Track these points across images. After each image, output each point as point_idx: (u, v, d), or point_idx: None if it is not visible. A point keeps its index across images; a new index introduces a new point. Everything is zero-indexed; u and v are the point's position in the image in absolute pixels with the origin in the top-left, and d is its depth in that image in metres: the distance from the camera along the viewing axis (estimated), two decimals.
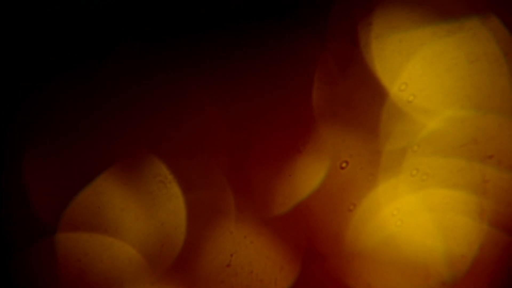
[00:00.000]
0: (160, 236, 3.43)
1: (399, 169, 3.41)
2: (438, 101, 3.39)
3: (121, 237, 3.43)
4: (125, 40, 3.49)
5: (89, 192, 3.43)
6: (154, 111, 3.47)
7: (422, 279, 3.39)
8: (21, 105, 3.46)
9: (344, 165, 3.44)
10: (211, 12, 3.49)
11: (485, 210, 3.37)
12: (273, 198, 3.46)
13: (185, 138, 3.47)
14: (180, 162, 3.46)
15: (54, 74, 3.47)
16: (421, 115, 3.40)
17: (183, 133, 3.47)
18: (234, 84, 3.48)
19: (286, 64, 3.48)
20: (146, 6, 3.50)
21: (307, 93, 3.47)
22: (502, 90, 3.37)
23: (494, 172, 3.37)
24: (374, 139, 3.43)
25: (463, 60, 3.39)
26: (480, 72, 3.39)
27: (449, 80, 3.39)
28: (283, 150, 3.46)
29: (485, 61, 3.38)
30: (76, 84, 3.48)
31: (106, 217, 3.43)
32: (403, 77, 3.41)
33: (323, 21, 3.44)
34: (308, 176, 3.45)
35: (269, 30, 3.47)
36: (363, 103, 3.44)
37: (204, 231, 3.44)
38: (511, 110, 3.38)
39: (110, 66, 3.48)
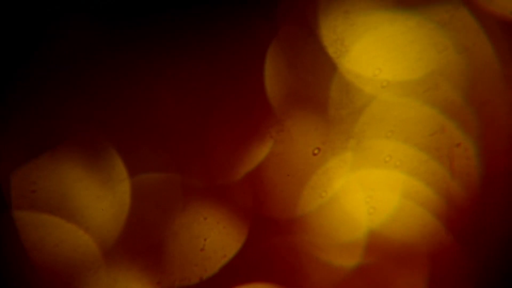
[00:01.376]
0: (134, 223, 3.49)
1: (372, 156, 3.47)
2: (410, 89, 3.46)
3: (91, 225, 3.48)
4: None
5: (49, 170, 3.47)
6: (108, 95, 3.51)
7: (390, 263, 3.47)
8: None
9: (316, 151, 3.50)
10: None
11: (452, 197, 3.45)
12: (243, 185, 3.52)
13: (141, 123, 3.53)
14: (144, 149, 3.51)
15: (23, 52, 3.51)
16: (394, 102, 3.46)
17: (139, 118, 3.52)
18: (193, 71, 3.53)
19: (244, 49, 3.53)
20: None
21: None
22: (470, 79, 3.45)
23: (461, 160, 3.44)
24: (346, 126, 3.49)
25: (433, 49, 3.46)
26: (449, 62, 3.45)
27: (419, 69, 3.46)
28: (251, 136, 3.51)
29: (453, 51, 3.45)
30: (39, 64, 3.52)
31: (73, 204, 3.48)
32: (377, 63, 3.47)
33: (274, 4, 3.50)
34: (281, 162, 3.51)
35: (222, 14, 3.52)
36: (333, 90, 3.50)
37: (178, 217, 3.50)
38: (477, 99, 3.46)
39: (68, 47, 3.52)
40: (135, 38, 3.51)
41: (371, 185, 3.47)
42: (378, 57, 3.47)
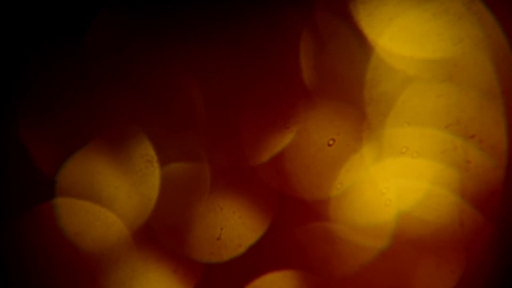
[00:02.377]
0: (151, 212, 3.54)
1: (388, 147, 3.49)
2: (425, 80, 3.48)
3: (114, 213, 3.55)
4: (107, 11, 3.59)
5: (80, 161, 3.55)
6: (137, 83, 3.58)
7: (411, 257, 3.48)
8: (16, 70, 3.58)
9: (331, 142, 3.53)
10: None
11: (467, 189, 3.45)
12: (261, 175, 3.56)
13: (169, 113, 3.58)
14: (166, 139, 3.57)
15: (44, 39, 3.58)
16: (409, 94, 3.48)
17: (166, 107, 3.58)
18: (218, 60, 3.57)
19: (271, 39, 3.57)
20: None
21: (294, 69, 3.57)
22: (484, 72, 3.45)
23: (475, 152, 3.45)
24: (362, 117, 3.52)
25: (448, 41, 3.47)
26: (464, 54, 3.47)
27: (434, 61, 3.48)
28: (269, 127, 3.55)
29: (468, 43, 3.46)
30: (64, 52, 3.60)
31: (100, 191, 3.55)
32: (394, 55, 3.50)
33: None
34: (297, 153, 3.55)
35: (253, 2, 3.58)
36: (351, 81, 3.53)
37: (195, 207, 3.55)
38: (491, 91, 3.46)
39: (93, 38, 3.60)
40: (161, 27, 3.58)
41: (388, 176, 3.48)
42: (393, 49, 3.50)
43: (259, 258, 3.55)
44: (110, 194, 3.54)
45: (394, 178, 3.47)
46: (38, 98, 3.59)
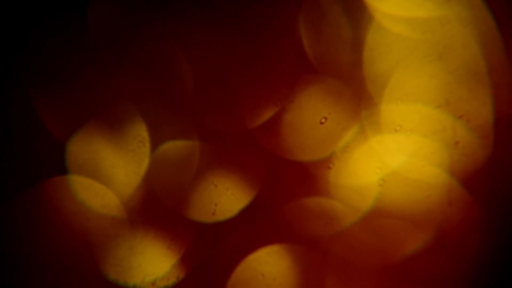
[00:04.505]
0: (151, 190, 3.61)
1: (381, 127, 3.55)
2: (416, 61, 3.53)
3: (111, 191, 3.62)
4: None
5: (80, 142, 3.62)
6: (131, 66, 3.64)
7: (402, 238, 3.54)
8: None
9: (323, 120, 3.58)
10: None
11: (456, 169, 3.52)
12: (251, 152, 3.62)
13: (163, 89, 3.64)
14: (160, 116, 3.63)
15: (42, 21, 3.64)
16: (400, 73, 3.54)
17: (161, 83, 3.64)
18: (212, 37, 3.62)
19: (265, 19, 3.62)
20: None
21: (289, 52, 3.62)
22: (472, 53, 3.51)
23: (464, 132, 3.51)
24: (354, 97, 3.58)
25: (437, 23, 3.53)
26: (452, 36, 3.52)
27: (424, 42, 3.53)
28: (261, 103, 3.61)
29: (457, 25, 3.52)
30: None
31: (98, 170, 3.62)
32: (382, 37, 3.55)
33: None
34: (289, 130, 3.60)
35: None
36: (343, 61, 3.58)
37: (190, 185, 3.61)
38: (479, 72, 3.52)
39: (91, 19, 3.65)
40: (153, 7, 3.62)
41: (381, 156, 3.54)
42: (385, 29, 3.55)
43: (251, 233, 3.62)
44: (108, 173, 3.61)
45: (388, 158, 3.53)
46: (45, 68, 3.65)
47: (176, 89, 3.62)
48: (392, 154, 3.53)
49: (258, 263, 3.58)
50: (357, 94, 3.56)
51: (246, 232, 3.61)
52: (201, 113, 3.62)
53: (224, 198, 3.63)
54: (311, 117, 3.59)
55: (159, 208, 3.61)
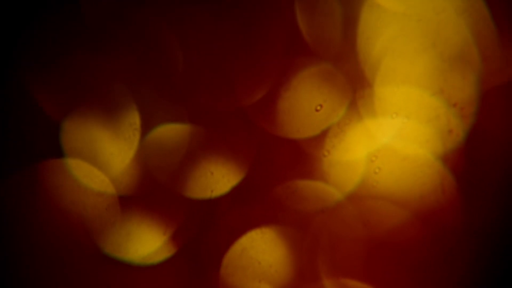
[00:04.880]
0: (147, 174, 3.64)
1: (376, 115, 3.58)
2: (412, 49, 3.55)
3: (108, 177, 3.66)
4: None
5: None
6: (124, 50, 3.66)
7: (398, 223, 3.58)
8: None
9: (318, 108, 3.61)
10: None
11: (449, 157, 3.56)
12: (246, 142, 3.65)
13: (157, 73, 3.67)
14: (154, 101, 3.66)
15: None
16: (395, 62, 3.56)
17: (154, 68, 3.67)
18: (205, 18, 3.64)
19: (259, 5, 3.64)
20: None
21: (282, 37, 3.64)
22: (466, 41, 3.54)
23: (457, 120, 3.55)
24: (349, 84, 3.60)
25: (431, 11, 3.55)
26: (446, 24, 3.54)
27: (418, 31, 3.55)
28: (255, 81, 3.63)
29: (451, 13, 3.54)
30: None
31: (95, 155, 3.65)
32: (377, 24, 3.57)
33: None
34: (284, 118, 3.63)
35: None
36: (339, 49, 3.60)
37: (186, 172, 3.65)
38: (472, 61, 3.55)
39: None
40: None
41: (377, 143, 3.57)
42: (378, 19, 3.57)
43: (244, 214, 3.66)
44: (104, 159, 3.64)
45: (383, 146, 3.56)
46: (42, 51, 3.67)
47: (168, 69, 3.64)
48: (387, 142, 3.56)
49: (253, 249, 3.63)
50: (352, 81, 3.59)
51: (240, 212, 3.64)
52: (194, 91, 3.64)
53: (221, 184, 3.66)
54: (306, 105, 3.62)
55: (152, 184, 3.64)
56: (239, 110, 3.63)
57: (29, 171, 3.61)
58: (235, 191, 3.65)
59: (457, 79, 3.53)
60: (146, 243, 3.63)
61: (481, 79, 3.53)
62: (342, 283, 3.57)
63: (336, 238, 3.59)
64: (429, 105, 3.53)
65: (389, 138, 3.56)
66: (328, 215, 3.58)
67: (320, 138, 3.61)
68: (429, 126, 3.53)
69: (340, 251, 3.58)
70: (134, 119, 3.63)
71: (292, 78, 3.61)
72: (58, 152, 3.62)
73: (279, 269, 3.60)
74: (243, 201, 3.64)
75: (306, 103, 3.61)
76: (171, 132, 3.65)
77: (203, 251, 3.64)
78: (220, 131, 3.64)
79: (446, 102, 3.53)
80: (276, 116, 3.62)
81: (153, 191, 3.64)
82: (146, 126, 3.64)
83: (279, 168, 3.63)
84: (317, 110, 3.60)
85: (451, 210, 3.54)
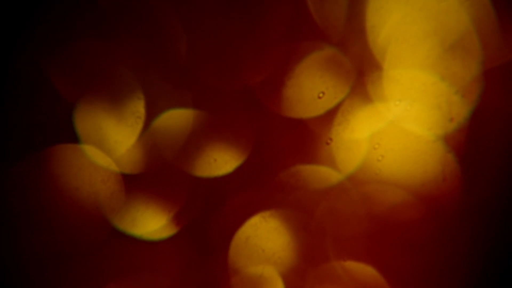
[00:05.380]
0: (151, 160, 3.68)
1: (378, 103, 3.61)
2: (414, 37, 3.58)
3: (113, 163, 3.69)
4: None
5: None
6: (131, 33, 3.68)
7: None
8: None
9: (321, 95, 3.64)
10: None
11: (451, 145, 3.60)
12: (246, 129, 3.68)
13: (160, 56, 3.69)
14: (158, 85, 3.68)
15: None
16: (396, 50, 3.59)
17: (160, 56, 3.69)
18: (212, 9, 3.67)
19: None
20: None
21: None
22: (467, 29, 3.57)
23: (458, 108, 3.59)
24: (351, 71, 3.63)
25: (434, 0, 3.58)
26: (448, 12, 3.57)
27: (421, 19, 3.58)
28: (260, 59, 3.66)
29: (453, 2, 3.57)
30: None
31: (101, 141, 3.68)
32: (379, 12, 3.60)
33: None
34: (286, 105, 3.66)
35: None
36: (340, 37, 3.63)
37: (189, 159, 3.69)
38: (473, 49, 3.58)
39: None
40: None
41: (379, 132, 3.61)
42: (381, 7, 3.60)
43: (248, 200, 3.69)
44: (110, 146, 3.67)
45: (386, 135, 3.59)
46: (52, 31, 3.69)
47: (173, 52, 3.66)
48: (390, 129, 3.59)
49: (257, 236, 3.66)
50: (355, 67, 3.62)
51: (244, 196, 3.68)
52: (198, 72, 3.67)
53: (223, 171, 3.69)
54: (308, 93, 3.64)
55: (158, 162, 3.67)
56: (244, 89, 3.65)
57: (41, 154, 3.64)
58: (239, 174, 3.68)
59: (458, 67, 3.56)
60: (153, 219, 3.66)
61: (482, 67, 3.56)
62: (346, 266, 3.61)
63: (339, 222, 3.62)
64: (431, 93, 3.56)
65: (392, 125, 3.59)
66: (332, 200, 3.62)
67: (324, 123, 3.64)
68: (431, 113, 3.56)
69: (344, 234, 3.62)
70: (138, 105, 3.66)
71: (296, 62, 3.64)
72: (70, 134, 3.66)
73: (283, 254, 3.64)
74: (248, 184, 3.67)
75: (310, 87, 3.63)
76: (177, 116, 3.68)
77: (209, 230, 3.68)
78: (225, 113, 3.67)
79: (447, 90, 3.56)
80: (281, 96, 3.64)
81: (159, 169, 3.67)
82: (152, 112, 3.67)
83: (283, 152, 3.66)
84: (319, 97, 3.63)
85: (452, 194, 3.58)
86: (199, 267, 3.67)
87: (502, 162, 3.60)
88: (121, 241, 3.63)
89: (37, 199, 3.64)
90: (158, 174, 3.67)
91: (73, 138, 3.65)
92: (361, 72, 3.62)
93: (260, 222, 3.66)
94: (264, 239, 3.65)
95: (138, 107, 3.65)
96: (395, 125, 3.59)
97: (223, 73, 3.66)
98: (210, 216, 3.68)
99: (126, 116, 3.65)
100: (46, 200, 3.64)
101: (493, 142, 3.59)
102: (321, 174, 3.63)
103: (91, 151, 3.64)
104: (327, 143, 3.62)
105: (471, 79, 3.56)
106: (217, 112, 3.67)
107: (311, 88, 3.63)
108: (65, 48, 3.65)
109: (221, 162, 3.67)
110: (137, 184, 3.66)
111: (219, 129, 3.67)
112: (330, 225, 3.63)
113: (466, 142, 3.58)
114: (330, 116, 3.64)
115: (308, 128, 3.64)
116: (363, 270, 3.60)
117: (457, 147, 3.58)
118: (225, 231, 3.67)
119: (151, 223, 3.65)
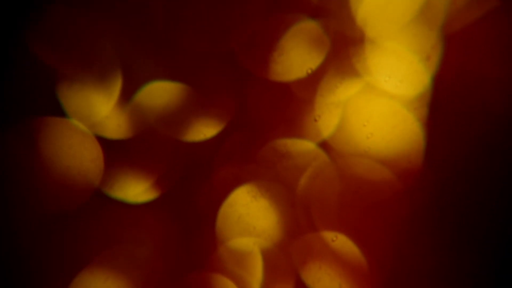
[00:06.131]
0: (137, 135, 3.65)
1: (368, 79, 3.68)
2: (401, 17, 3.66)
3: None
4: None
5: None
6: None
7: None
8: None
9: (309, 71, 3.67)
10: None
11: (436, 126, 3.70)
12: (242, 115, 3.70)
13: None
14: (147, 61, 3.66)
15: None
16: (385, 30, 3.66)
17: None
18: None
19: None
20: None
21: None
22: (455, 11, 3.67)
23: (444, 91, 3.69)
24: (342, 49, 3.68)
25: None
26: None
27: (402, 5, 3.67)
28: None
29: None
30: None
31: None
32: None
33: None
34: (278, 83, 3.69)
35: None
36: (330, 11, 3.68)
37: (180, 133, 3.68)
38: (459, 30, 3.69)
39: None
40: None
41: (368, 110, 3.67)
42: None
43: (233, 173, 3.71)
44: (93, 112, 3.63)
45: (375, 112, 3.65)
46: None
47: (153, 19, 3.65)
48: (378, 109, 3.66)
49: (243, 206, 3.68)
50: (342, 45, 3.66)
51: (230, 169, 3.69)
52: (179, 38, 3.65)
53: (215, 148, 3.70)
54: (299, 70, 3.67)
55: (144, 128, 3.65)
56: (228, 53, 3.66)
57: (24, 121, 3.56)
58: (225, 143, 3.68)
59: (444, 47, 3.65)
60: (136, 182, 3.63)
61: (467, 50, 3.67)
62: (330, 238, 3.66)
63: (325, 196, 3.67)
64: (418, 73, 3.65)
65: (379, 105, 3.65)
66: (318, 175, 3.66)
67: (311, 93, 3.67)
68: (417, 95, 3.65)
69: (330, 208, 3.66)
70: (118, 77, 3.63)
71: (280, 34, 3.66)
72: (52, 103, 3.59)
73: (270, 226, 3.66)
74: (234, 154, 3.68)
75: (296, 54, 3.66)
76: (161, 83, 3.66)
77: (194, 201, 3.68)
78: (209, 77, 3.66)
79: (432, 70, 3.65)
80: (265, 59, 3.66)
81: (145, 134, 3.65)
82: (134, 83, 3.64)
83: (268, 125, 3.67)
84: (308, 74, 3.66)
85: (433, 169, 3.67)
86: (183, 237, 3.66)
87: (477, 132, 3.70)
88: (105, 205, 3.60)
89: (21, 165, 3.56)
90: (141, 138, 3.65)
91: (56, 107, 3.58)
92: (348, 49, 3.67)
93: (244, 194, 3.67)
94: (250, 212, 3.67)
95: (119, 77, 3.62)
96: (383, 102, 3.66)
97: (207, 37, 3.65)
98: (195, 185, 3.67)
99: (108, 80, 3.61)
100: (28, 166, 3.57)
101: (478, 124, 3.70)
102: (307, 148, 3.67)
103: (74, 117, 3.59)
104: (315, 120, 3.65)
105: (456, 60, 3.66)
106: (201, 77, 3.66)
107: (297, 55, 3.66)
108: (45, 18, 3.59)
109: (205, 126, 3.67)
110: (121, 148, 3.64)
111: (203, 94, 3.66)
112: (314, 200, 3.68)
113: (452, 125, 3.68)
114: (315, 84, 3.67)
115: (296, 97, 3.67)
116: (345, 244, 3.66)
117: (443, 128, 3.67)
118: (210, 202, 3.67)
119: (134, 186, 3.63)
